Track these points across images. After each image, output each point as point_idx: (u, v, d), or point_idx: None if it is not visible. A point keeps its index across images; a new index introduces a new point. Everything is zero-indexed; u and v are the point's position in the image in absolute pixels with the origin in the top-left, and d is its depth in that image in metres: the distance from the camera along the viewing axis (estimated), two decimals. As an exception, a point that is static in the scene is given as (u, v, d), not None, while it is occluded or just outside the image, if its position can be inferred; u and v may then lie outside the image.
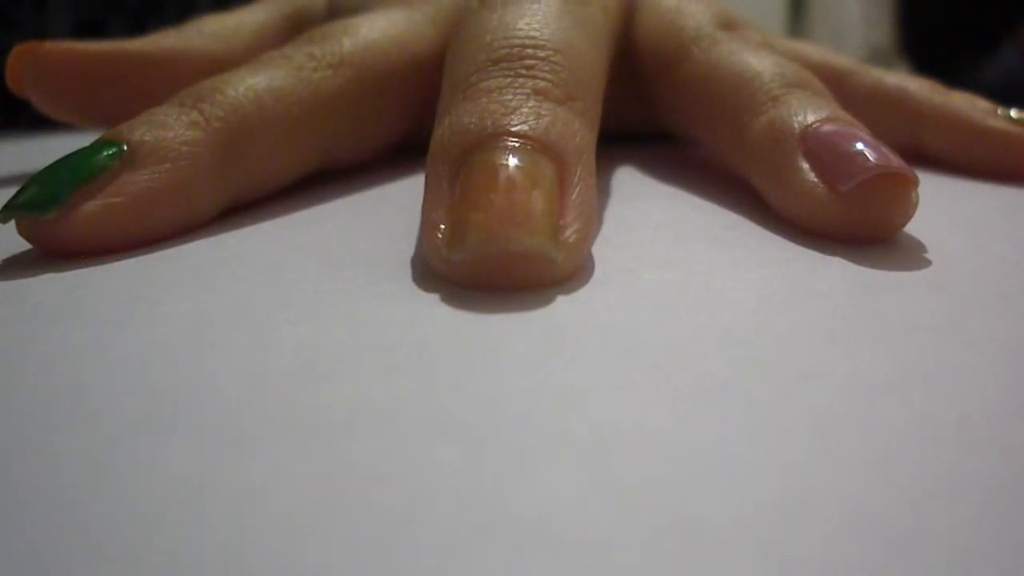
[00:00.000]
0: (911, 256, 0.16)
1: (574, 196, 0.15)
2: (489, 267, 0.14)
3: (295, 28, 0.27)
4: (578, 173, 0.15)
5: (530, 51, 0.17)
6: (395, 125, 0.24)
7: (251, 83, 0.19)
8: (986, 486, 0.09)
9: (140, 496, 0.09)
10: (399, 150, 0.25)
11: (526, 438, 0.10)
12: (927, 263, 0.16)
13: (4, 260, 0.17)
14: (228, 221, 0.19)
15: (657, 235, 0.17)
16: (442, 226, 0.15)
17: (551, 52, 0.17)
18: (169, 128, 0.18)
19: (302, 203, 0.21)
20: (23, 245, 0.17)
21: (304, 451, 0.10)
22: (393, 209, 0.19)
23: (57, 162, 0.17)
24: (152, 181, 0.17)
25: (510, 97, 0.16)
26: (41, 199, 0.16)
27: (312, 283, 0.15)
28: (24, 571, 0.08)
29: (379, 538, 0.08)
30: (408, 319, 0.13)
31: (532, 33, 0.18)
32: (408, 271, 0.15)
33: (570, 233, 0.15)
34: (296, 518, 0.09)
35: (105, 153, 0.17)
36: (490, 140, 0.15)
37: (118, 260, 0.16)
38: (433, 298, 0.14)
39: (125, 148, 0.17)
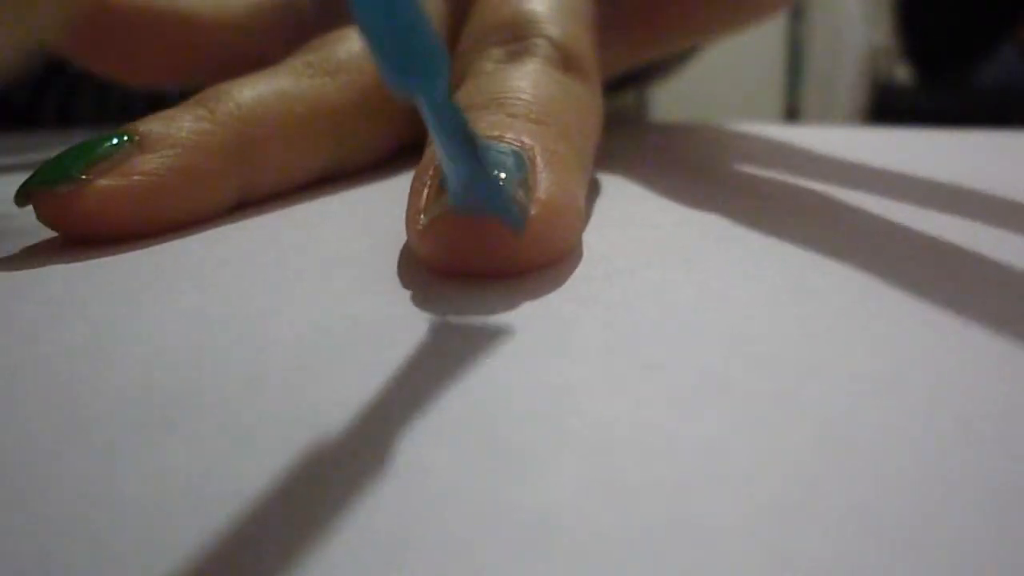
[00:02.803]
0: (912, 256, 0.16)
1: (546, 175, 0.15)
2: (462, 222, 0.14)
3: (286, 9, 0.28)
4: (552, 165, 0.16)
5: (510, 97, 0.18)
6: (397, 128, 0.24)
7: (254, 85, 0.20)
8: (987, 486, 0.09)
9: (140, 496, 0.09)
10: (400, 151, 0.25)
11: (526, 438, 0.10)
12: (928, 263, 0.16)
13: (2, 261, 0.17)
14: (227, 221, 0.19)
15: (657, 234, 0.17)
16: (422, 216, 0.15)
17: (529, 97, 0.18)
18: (178, 120, 0.19)
19: (302, 203, 0.21)
20: (23, 244, 0.17)
21: (304, 451, 0.10)
22: (393, 209, 0.19)
23: (71, 147, 0.18)
24: (162, 163, 0.18)
25: (489, 121, 0.17)
26: (53, 174, 0.17)
27: (312, 283, 0.15)
28: (25, 571, 0.08)
29: (379, 538, 0.08)
30: (407, 319, 0.13)
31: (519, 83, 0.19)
32: (406, 272, 0.15)
33: (542, 191, 0.15)
34: (296, 518, 0.09)
35: (116, 140, 0.18)
36: None
37: (118, 259, 0.16)
38: (433, 298, 0.14)
39: (136, 137, 0.18)
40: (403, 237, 0.17)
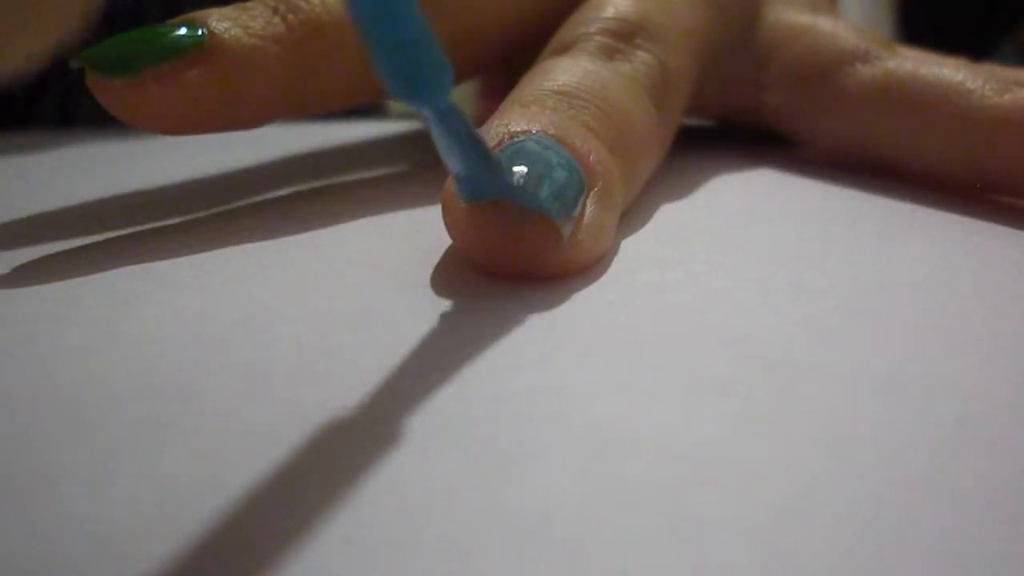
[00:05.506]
0: (912, 255, 0.16)
1: (591, 212, 0.15)
2: (497, 217, 0.14)
3: None
4: (602, 203, 0.15)
5: (585, 97, 0.17)
6: (479, 62, 0.23)
7: None
8: (985, 485, 0.09)
9: (140, 497, 0.09)
10: (404, 163, 0.25)
11: (526, 438, 0.10)
12: (928, 263, 0.16)
13: (3, 260, 0.17)
14: (228, 223, 0.19)
15: (658, 234, 0.17)
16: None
17: (603, 104, 0.17)
18: (253, 34, 0.18)
19: (302, 204, 0.21)
20: (23, 245, 0.17)
21: (304, 451, 0.10)
22: (395, 212, 0.19)
23: (136, 31, 0.17)
24: (219, 83, 0.18)
25: (564, 120, 0.16)
26: (111, 62, 0.17)
27: (312, 283, 0.15)
28: (25, 570, 0.08)
29: (379, 538, 0.08)
30: (407, 318, 0.13)
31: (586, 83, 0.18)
32: (408, 271, 0.15)
33: (583, 230, 0.15)
34: (296, 519, 0.09)
35: (185, 36, 0.17)
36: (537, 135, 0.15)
37: (118, 259, 0.16)
38: (433, 297, 0.14)
39: (205, 35, 0.17)
40: (400, 239, 0.17)
